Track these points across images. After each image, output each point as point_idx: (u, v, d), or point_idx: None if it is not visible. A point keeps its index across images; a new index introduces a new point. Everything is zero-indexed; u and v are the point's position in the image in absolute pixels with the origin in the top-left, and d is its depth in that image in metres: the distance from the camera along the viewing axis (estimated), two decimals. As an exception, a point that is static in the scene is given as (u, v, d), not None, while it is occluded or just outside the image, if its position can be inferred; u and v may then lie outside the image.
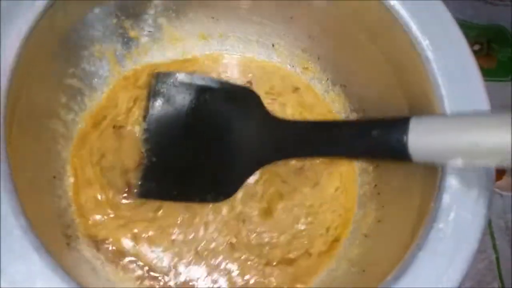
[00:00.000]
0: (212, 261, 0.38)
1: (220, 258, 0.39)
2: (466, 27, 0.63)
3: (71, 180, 0.39)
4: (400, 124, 0.27)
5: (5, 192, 0.25)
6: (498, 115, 0.24)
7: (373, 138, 0.29)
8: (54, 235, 0.35)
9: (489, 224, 0.53)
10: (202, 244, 0.39)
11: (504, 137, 0.23)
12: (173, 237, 0.39)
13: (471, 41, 0.63)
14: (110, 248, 0.38)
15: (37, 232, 0.26)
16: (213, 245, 0.39)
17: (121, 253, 0.38)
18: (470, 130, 0.24)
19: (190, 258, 0.38)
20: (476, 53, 0.62)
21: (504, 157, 0.23)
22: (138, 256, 0.38)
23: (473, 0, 0.63)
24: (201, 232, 0.39)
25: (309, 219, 0.40)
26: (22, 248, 0.25)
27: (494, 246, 0.53)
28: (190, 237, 0.39)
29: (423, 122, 0.27)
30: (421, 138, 0.27)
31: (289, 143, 0.38)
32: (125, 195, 0.39)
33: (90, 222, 0.38)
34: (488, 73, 0.61)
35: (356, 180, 0.42)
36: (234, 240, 0.39)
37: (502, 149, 0.23)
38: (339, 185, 0.41)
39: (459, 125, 0.25)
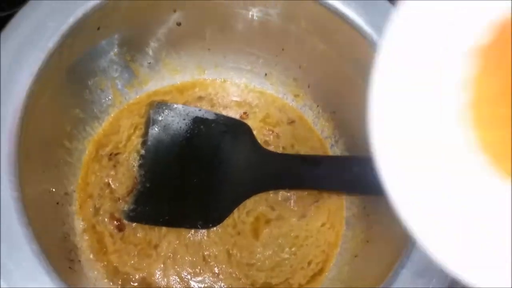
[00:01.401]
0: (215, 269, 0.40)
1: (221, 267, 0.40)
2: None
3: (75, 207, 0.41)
4: None
5: (20, 224, 0.27)
6: None
7: (354, 174, 0.31)
8: (59, 259, 0.36)
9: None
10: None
11: None
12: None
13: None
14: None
15: (47, 256, 0.28)
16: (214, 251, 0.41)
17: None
18: None
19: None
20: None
21: None
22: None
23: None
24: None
25: (293, 249, 0.42)
26: (35, 272, 0.26)
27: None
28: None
29: None
30: None
31: (277, 175, 0.40)
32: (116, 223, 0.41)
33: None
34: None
35: (343, 218, 0.43)
36: (231, 251, 0.41)
37: None
38: (325, 221, 0.43)
39: None
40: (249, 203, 0.42)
